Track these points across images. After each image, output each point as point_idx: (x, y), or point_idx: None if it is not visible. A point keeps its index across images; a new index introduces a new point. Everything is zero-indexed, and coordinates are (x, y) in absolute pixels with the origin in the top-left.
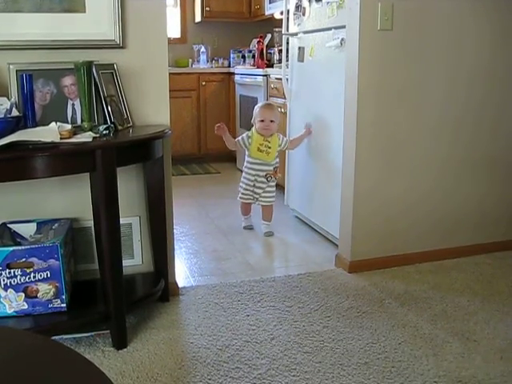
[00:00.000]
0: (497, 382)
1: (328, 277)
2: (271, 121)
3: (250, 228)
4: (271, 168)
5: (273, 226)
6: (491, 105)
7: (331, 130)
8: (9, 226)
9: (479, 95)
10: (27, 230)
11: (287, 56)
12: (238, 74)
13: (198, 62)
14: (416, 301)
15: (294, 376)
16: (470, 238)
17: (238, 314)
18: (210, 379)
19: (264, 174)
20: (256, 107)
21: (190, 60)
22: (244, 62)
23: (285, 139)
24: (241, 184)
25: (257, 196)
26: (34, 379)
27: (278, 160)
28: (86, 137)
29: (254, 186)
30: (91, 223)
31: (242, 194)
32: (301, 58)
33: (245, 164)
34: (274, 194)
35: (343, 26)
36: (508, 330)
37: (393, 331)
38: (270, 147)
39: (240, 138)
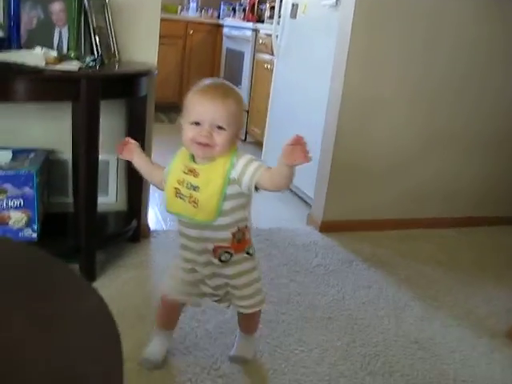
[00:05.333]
0: (452, 346)
1: (298, 234)
2: (219, 127)
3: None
4: (226, 234)
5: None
6: (473, 78)
7: (317, 89)
8: None
9: (462, 68)
10: (2, 157)
11: (280, 12)
12: (226, 26)
13: (187, 9)
14: (382, 265)
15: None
16: (438, 210)
17: None
18: None
19: (212, 248)
20: (192, 91)
21: (180, 7)
22: (234, 14)
23: (252, 166)
24: (171, 271)
25: (218, 295)
26: (27, 289)
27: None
28: (71, 65)
29: (203, 278)
30: (67, 156)
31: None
32: (293, 15)
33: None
34: (259, 285)
35: None
36: (467, 300)
37: (358, 291)
38: (198, 189)
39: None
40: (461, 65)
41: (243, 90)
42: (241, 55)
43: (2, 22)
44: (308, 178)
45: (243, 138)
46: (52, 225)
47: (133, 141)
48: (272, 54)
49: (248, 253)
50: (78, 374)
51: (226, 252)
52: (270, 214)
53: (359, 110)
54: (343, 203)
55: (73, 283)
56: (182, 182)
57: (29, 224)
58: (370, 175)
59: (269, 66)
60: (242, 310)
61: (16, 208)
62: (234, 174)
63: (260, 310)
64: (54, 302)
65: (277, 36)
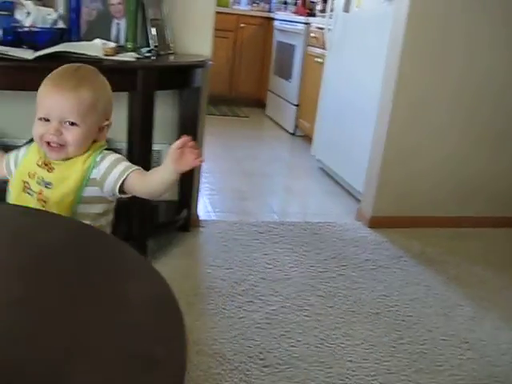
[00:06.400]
0: (503, 348)
1: (347, 229)
2: (71, 123)
3: None
4: None
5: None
6: None
7: (368, 85)
8: None
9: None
10: None
11: (332, 5)
12: (278, 19)
13: (239, 2)
14: (431, 262)
15: (305, 316)
16: (488, 209)
17: (256, 252)
18: (224, 308)
19: None
20: (44, 80)
21: (231, 0)
22: (285, 8)
23: (119, 168)
24: None
25: None
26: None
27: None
28: (128, 56)
29: None
30: (122, 145)
31: None
32: (346, 9)
33: None
34: None
35: None
36: None
37: (406, 287)
38: (50, 186)
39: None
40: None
41: (293, 84)
42: (292, 49)
43: (64, 13)
44: (358, 173)
45: (292, 131)
46: None
47: None
48: (323, 47)
49: None
50: (142, 353)
51: None
52: (318, 208)
53: (412, 106)
54: (393, 199)
55: (137, 265)
56: (34, 175)
57: None
58: (421, 171)
59: (320, 60)
60: None
61: None
62: (96, 175)
63: None
64: (120, 284)
65: (329, 29)
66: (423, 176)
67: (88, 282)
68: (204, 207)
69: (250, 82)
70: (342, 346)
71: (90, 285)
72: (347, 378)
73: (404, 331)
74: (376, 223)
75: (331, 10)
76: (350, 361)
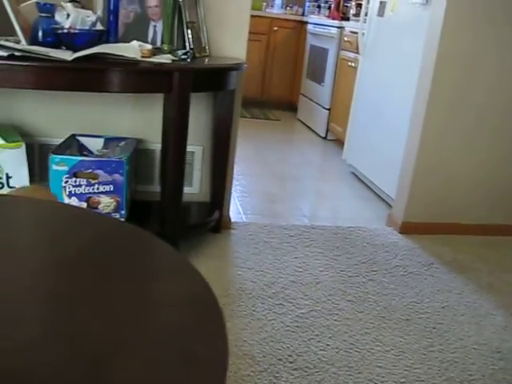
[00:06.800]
0: None
1: (378, 234)
2: None
3: None
4: None
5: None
6: None
7: (401, 90)
8: (77, 138)
9: None
10: (95, 144)
11: (367, 10)
12: (311, 23)
13: (272, 6)
14: (463, 270)
15: (335, 320)
16: None
17: (287, 255)
18: (254, 310)
19: None
20: None
21: (265, 3)
22: (319, 11)
23: None
24: None
25: None
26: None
27: None
28: (165, 58)
29: None
30: (156, 146)
31: None
32: (381, 13)
33: None
34: None
35: None
36: None
37: (437, 294)
38: None
39: None
40: None
41: (326, 88)
42: (325, 52)
43: (102, 15)
44: (389, 178)
45: (323, 135)
46: (138, 212)
47: None
48: (357, 51)
49: None
50: (184, 352)
51: None
52: (349, 213)
53: (445, 113)
54: (425, 205)
55: (176, 263)
56: None
57: (117, 209)
58: (453, 178)
59: (353, 64)
60: None
61: (106, 193)
62: None
63: None
64: (160, 281)
65: (363, 34)
66: (455, 183)
67: (129, 280)
68: (235, 209)
69: (282, 85)
70: (372, 351)
71: (131, 282)
72: (376, 383)
73: (435, 339)
74: (407, 229)
75: (365, 14)
76: (380, 367)
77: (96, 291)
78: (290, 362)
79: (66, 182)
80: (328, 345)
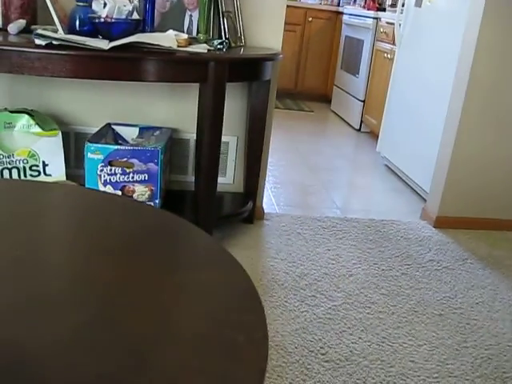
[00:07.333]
0: None
1: (412, 228)
2: None
3: None
4: None
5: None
6: None
7: (438, 83)
8: (113, 126)
9: None
10: (130, 133)
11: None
12: (346, 13)
13: None
14: (499, 266)
15: (368, 313)
16: None
17: (320, 247)
18: (286, 302)
19: None
20: None
21: None
22: (354, 2)
23: None
24: None
25: None
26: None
27: None
28: (201, 48)
29: None
30: (190, 136)
31: None
32: (419, 3)
33: None
34: None
35: None
36: None
37: (472, 290)
38: None
39: None
40: None
41: (361, 79)
42: (360, 43)
43: (139, 4)
44: (424, 172)
45: (357, 127)
46: (171, 201)
47: None
48: (393, 43)
49: None
50: (226, 342)
51: None
52: (382, 206)
53: (484, 105)
54: (460, 199)
55: (216, 254)
56: None
57: (151, 198)
58: (489, 173)
59: (389, 56)
60: None
61: (140, 182)
62: None
63: None
64: (201, 271)
65: (399, 25)
66: (491, 177)
67: (171, 269)
68: (268, 200)
69: (316, 76)
70: (404, 345)
71: (173, 272)
72: (408, 378)
73: (468, 335)
74: (442, 223)
75: (402, 5)
76: (412, 361)
77: (139, 281)
78: (322, 354)
79: (101, 170)
80: (360, 338)
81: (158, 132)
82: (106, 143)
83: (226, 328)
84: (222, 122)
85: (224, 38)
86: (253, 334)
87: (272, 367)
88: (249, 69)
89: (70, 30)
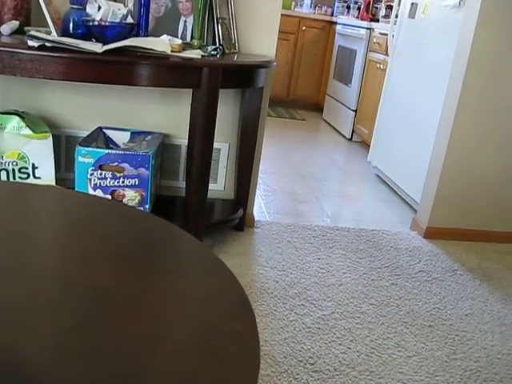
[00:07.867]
0: None
1: (402, 238)
2: None
3: None
4: None
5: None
6: None
7: (430, 94)
8: (104, 130)
9: None
10: (121, 137)
11: (397, 11)
12: (340, 23)
13: (301, 6)
14: (489, 278)
15: (357, 323)
16: None
17: (310, 256)
18: (275, 310)
19: None
20: None
21: (294, 3)
22: (348, 12)
23: None
24: None
25: None
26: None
27: None
28: (194, 54)
29: None
30: (182, 141)
31: None
32: (412, 15)
33: None
34: None
35: None
36: None
37: (461, 302)
38: None
39: None
40: None
41: (353, 89)
42: (353, 53)
43: (133, 9)
44: (415, 182)
45: (348, 136)
46: (162, 206)
47: None
48: (386, 53)
49: None
50: (217, 349)
51: None
52: (372, 216)
53: (474, 118)
54: (450, 210)
55: (206, 260)
56: None
57: (141, 203)
58: (479, 185)
59: (381, 66)
60: None
61: (131, 187)
62: None
63: None
64: (191, 277)
65: (393, 35)
66: (482, 188)
67: (161, 276)
68: (259, 208)
69: (309, 85)
70: (394, 356)
71: (163, 278)
72: None
73: (458, 346)
74: (432, 234)
75: (396, 16)
76: (401, 372)
77: (127, 286)
78: (311, 364)
79: (92, 174)
80: (349, 348)
81: (149, 137)
82: (97, 147)
83: (218, 336)
84: (214, 128)
85: (218, 45)
86: (245, 344)
87: (260, 376)
88: (242, 76)
89: (64, 32)
